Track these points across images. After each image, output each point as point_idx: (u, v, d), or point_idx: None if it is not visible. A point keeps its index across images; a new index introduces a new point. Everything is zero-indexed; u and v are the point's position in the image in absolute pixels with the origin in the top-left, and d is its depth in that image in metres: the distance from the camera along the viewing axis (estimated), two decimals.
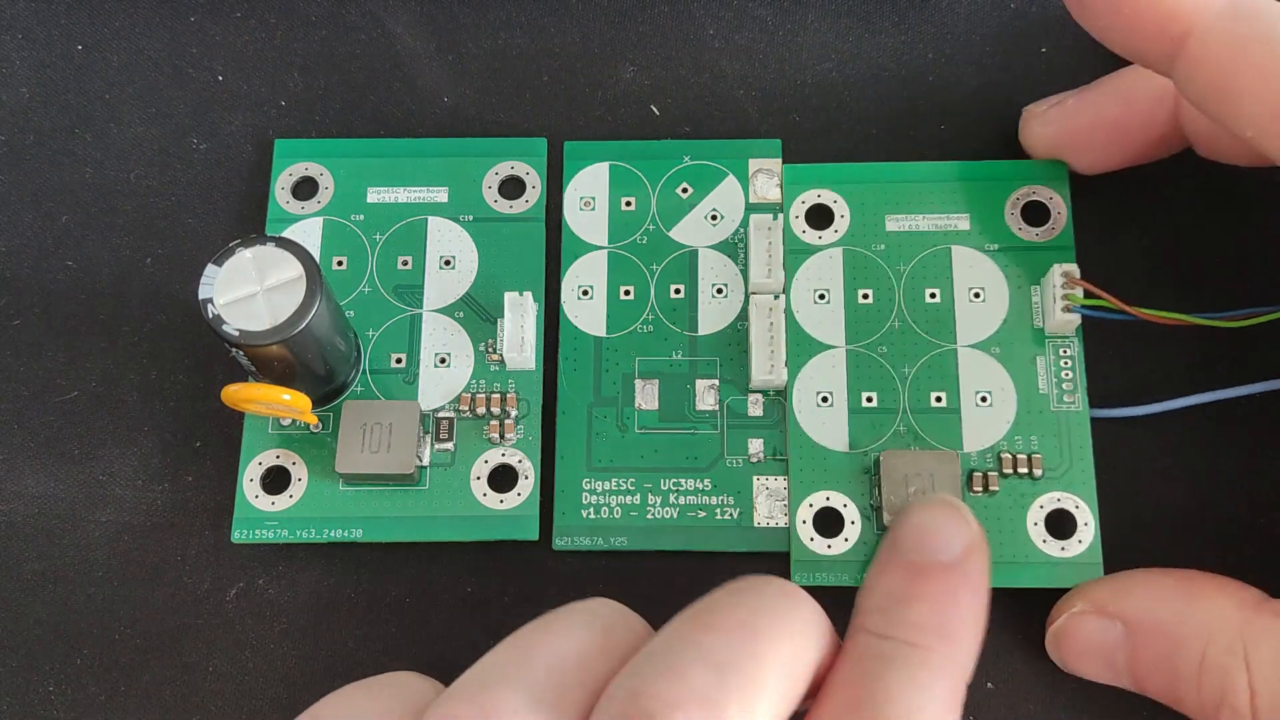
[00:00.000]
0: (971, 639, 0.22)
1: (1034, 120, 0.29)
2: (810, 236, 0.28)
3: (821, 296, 0.28)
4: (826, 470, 0.27)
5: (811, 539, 0.26)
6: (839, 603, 0.23)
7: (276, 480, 0.27)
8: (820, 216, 0.29)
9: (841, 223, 0.28)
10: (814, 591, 0.25)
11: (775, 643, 0.20)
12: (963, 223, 0.28)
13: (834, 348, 0.28)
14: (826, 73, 0.30)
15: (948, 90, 0.30)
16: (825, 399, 0.27)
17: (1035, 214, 0.28)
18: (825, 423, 0.27)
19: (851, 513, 0.26)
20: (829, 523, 0.27)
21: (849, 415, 0.27)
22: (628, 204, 0.29)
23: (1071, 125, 0.28)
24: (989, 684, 0.26)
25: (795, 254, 0.28)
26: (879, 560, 0.23)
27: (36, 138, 0.30)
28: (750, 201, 0.29)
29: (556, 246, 0.29)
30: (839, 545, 0.26)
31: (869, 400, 0.27)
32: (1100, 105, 0.28)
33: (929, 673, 0.21)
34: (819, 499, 0.27)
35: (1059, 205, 0.28)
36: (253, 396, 0.25)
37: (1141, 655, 0.24)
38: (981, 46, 0.30)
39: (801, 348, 0.28)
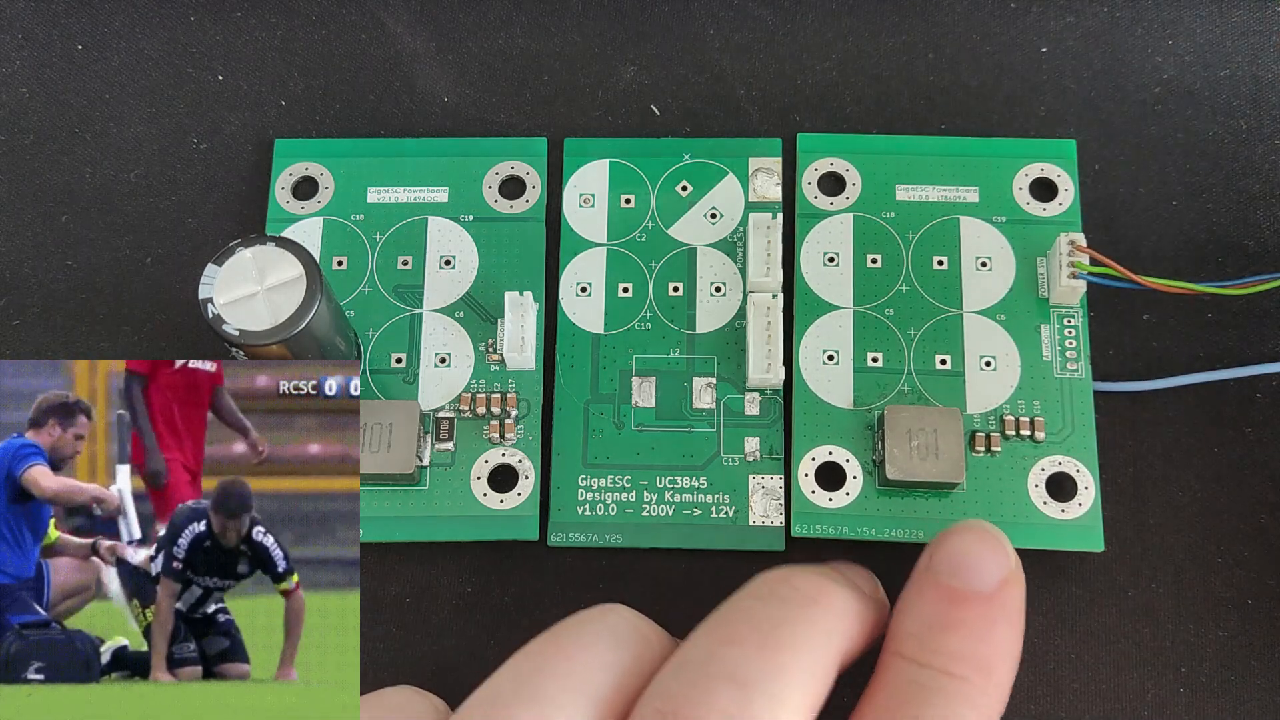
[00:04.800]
0: (1007, 671, 0.21)
1: None
2: (822, 202, 0.29)
3: (831, 260, 0.28)
4: (830, 425, 0.27)
5: (813, 491, 0.26)
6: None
7: None
8: (832, 183, 0.29)
9: (853, 190, 0.29)
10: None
11: (798, 654, 0.19)
12: (971, 195, 0.29)
13: (841, 308, 0.28)
14: (826, 73, 0.30)
15: (948, 90, 0.30)
16: (831, 357, 0.27)
17: (1043, 190, 0.29)
18: (830, 380, 0.27)
19: (854, 468, 0.27)
20: (831, 477, 0.27)
21: (854, 374, 0.27)
22: (627, 201, 0.29)
23: None
24: None
25: (806, 218, 0.29)
26: (915, 581, 0.22)
27: (36, 138, 0.30)
28: (750, 200, 0.29)
29: (555, 243, 0.29)
30: (840, 499, 0.26)
31: (874, 360, 0.27)
32: None
33: (965, 705, 0.20)
34: (821, 453, 0.27)
35: (1067, 183, 0.29)
36: None
37: None
38: (981, 46, 0.30)
39: (809, 307, 0.28)
